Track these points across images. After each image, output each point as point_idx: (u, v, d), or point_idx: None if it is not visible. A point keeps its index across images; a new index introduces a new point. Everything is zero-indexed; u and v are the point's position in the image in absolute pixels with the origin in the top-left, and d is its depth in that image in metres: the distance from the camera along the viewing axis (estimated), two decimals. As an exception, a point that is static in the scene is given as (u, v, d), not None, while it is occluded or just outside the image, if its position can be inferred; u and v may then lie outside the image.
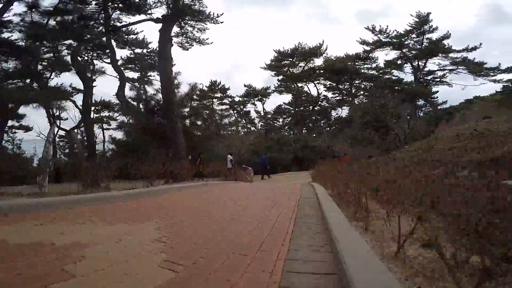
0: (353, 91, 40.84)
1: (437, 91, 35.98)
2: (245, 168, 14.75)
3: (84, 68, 15.85)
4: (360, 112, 11.43)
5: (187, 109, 18.89)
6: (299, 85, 36.29)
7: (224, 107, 40.63)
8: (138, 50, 29.71)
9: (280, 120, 43.18)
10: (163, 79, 10.33)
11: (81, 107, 29.87)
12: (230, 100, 40.77)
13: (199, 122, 18.96)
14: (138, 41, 29.09)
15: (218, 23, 21.31)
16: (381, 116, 9.66)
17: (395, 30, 29.70)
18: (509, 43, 57.76)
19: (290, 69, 35.63)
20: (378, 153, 10.92)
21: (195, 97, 21.41)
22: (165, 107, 9.91)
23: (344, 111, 41.67)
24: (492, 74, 27.22)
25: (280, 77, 36.50)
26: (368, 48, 31.29)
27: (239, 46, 68.26)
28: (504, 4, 52.86)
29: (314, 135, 39.13)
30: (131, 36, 28.92)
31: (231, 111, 41.44)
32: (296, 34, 76.31)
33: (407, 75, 39.76)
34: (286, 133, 38.25)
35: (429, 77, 36.83)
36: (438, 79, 34.29)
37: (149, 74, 31.22)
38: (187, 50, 30.06)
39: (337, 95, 41.45)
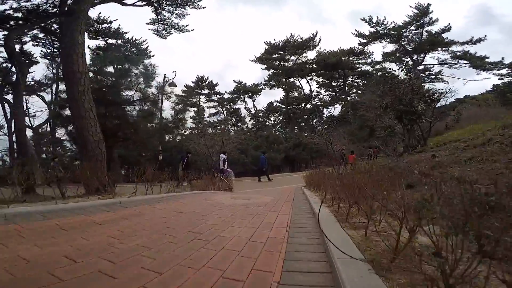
0: (346, 88, 38.18)
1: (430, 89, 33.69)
2: (224, 170, 11.61)
3: (15, 51, 12.43)
4: (379, 91, 8.39)
5: (132, 93, 15.45)
6: (291, 80, 33.26)
7: (211, 104, 37.51)
8: (111, 41, 26.40)
9: (272, 118, 40.27)
10: (64, 40, 6.92)
11: (48, 102, 26.33)
12: (219, 97, 37.54)
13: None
14: (112, 30, 25.66)
15: (199, 8, 18.17)
16: (405, 98, 6.77)
17: (393, 22, 27.06)
18: (496, 44, 56.96)
19: (282, 63, 32.62)
20: (399, 149, 8.02)
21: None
22: (66, 80, 6.52)
23: (336, 110, 39.21)
24: (496, 68, 24.83)
25: (271, 72, 33.43)
26: (364, 41, 28.51)
27: (232, 45, 65.32)
28: (493, 6, 51.77)
29: (306, 134, 36.33)
30: (104, 25, 25.52)
31: (220, 109, 38.29)
32: (288, 33, 73.60)
33: (402, 72, 37.38)
34: (277, 132, 35.29)
35: (424, 74, 34.55)
36: (434, 76, 31.93)
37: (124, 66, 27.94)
38: (165, 38, 26.69)
39: (329, 92, 38.75)
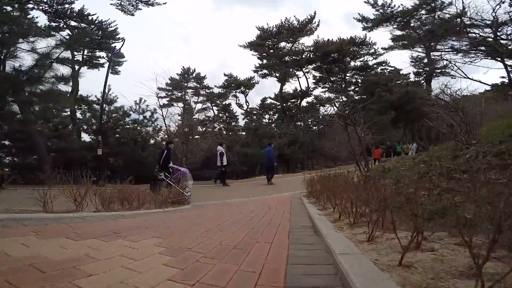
0: (344, 85, 34.01)
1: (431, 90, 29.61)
2: (176, 169, 7.00)
3: None
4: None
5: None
6: (285, 69, 28.80)
7: (200, 98, 32.97)
8: (74, 23, 21.72)
9: (266, 117, 35.91)
10: None
11: None
12: (208, 91, 33.01)
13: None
14: (75, 12, 20.95)
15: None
16: None
17: (401, 5, 22.99)
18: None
19: (276, 51, 28.20)
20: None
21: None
22: None
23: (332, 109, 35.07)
24: (521, 55, 20.76)
25: (265, 61, 29.03)
26: (368, 25, 24.25)
27: (228, 46, 61.60)
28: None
29: (299, 129, 32.08)
30: (65, 6, 20.89)
31: (209, 104, 33.78)
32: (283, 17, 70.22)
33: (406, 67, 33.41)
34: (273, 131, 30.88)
35: (426, 69, 30.55)
36: (439, 70, 27.92)
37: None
38: (133, 15, 22.29)
39: (327, 89, 34.53)
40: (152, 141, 14.85)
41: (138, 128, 14.43)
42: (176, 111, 27.88)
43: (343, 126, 4.81)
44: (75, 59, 22.90)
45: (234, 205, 5.13)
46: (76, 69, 21.94)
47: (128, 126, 13.85)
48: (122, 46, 12.39)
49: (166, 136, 12.17)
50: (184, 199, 6.14)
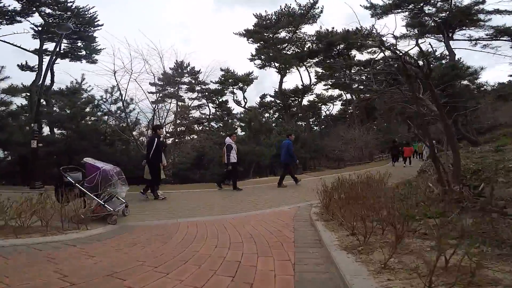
0: (349, 81, 31.48)
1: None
2: (91, 166, 3.86)
3: None
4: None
5: None
6: (286, 57, 26.10)
7: (194, 95, 30.39)
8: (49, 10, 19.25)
9: (266, 115, 33.39)
10: None
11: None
12: (204, 87, 30.41)
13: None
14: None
15: None
16: None
17: (414, -10, 20.46)
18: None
19: (274, 41, 25.53)
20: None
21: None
22: None
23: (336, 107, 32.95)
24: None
25: (264, 51, 26.39)
26: (378, 11, 21.63)
27: (228, 47, 59.56)
28: None
29: (300, 129, 29.57)
30: None
31: (204, 101, 31.19)
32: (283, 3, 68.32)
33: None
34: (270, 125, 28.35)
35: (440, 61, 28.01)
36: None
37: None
38: None
39: (329, 86, 31.95)
40: (128, 137, 12.16)
41: (111, 120, 11.71)
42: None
43: (408, 80, 2.31)
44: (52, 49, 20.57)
45: (175, 239, 2.52)
46: (51, 59, 19.57)
47: (94, 118, 11.24)
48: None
49: (147, 128, 9.63)
50: (109, 214, 3.58)
